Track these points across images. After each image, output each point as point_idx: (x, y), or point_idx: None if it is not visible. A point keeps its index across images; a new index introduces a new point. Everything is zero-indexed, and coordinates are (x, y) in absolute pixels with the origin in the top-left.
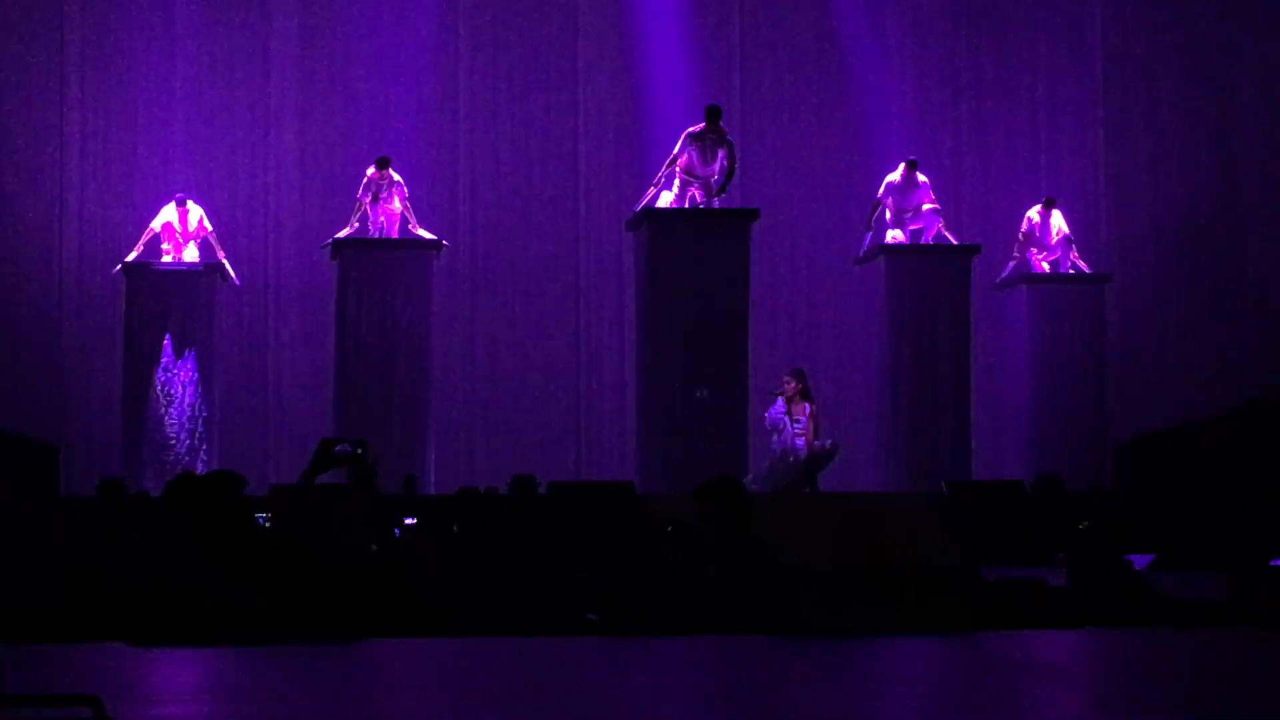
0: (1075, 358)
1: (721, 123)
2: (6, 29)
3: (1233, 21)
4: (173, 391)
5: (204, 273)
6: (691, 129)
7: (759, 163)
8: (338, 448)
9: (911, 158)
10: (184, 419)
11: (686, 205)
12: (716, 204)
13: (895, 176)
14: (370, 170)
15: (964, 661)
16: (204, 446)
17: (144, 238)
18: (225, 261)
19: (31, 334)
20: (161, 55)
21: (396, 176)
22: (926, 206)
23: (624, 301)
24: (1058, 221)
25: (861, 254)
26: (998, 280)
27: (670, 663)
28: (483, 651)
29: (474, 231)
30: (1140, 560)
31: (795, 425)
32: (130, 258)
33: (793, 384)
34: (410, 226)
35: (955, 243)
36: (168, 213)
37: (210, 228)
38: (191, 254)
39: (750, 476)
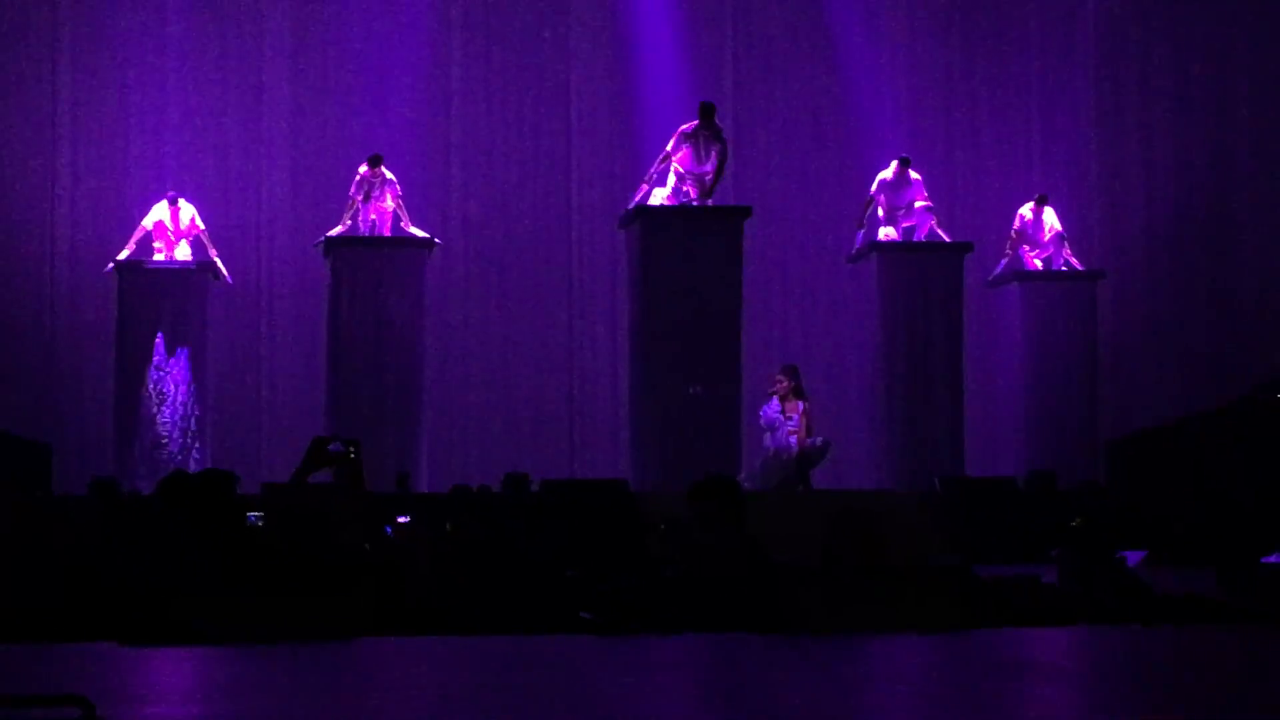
0: (1068, 355)
1: (714, 120)
2: None
3: (1225, 19)
4: (165, 390)
5: (196, 271)
6: (684, 126)
7: (752, 161)
8: (331, 446)
9: (904, 155)
10: (176, 418)
11: (681, 202)
12: (709, 202)
13: (888, 174)
14: (363, 168)
15: (957, 659)
16: (196, 445)
17: (136, 236)
18: (217, 260)
19: (23, 333)
20: (153, 53)
21: (389, 174)
22: (919, 204)
23: (616, 299)
24: (1050, 219)
25: (854, 251)
26: (990, 278)
27: (663, 661)
28: (476, 650)
29: (466, 229)
30: (1133, 557)
31: (788, 423)
32: (122, 256)
33: (785, 381)
34: (403, 224)
35: (948, 240)
36: (160, 211)
37: (202, 226)
38: (184, 252)
39: (743, 474)
